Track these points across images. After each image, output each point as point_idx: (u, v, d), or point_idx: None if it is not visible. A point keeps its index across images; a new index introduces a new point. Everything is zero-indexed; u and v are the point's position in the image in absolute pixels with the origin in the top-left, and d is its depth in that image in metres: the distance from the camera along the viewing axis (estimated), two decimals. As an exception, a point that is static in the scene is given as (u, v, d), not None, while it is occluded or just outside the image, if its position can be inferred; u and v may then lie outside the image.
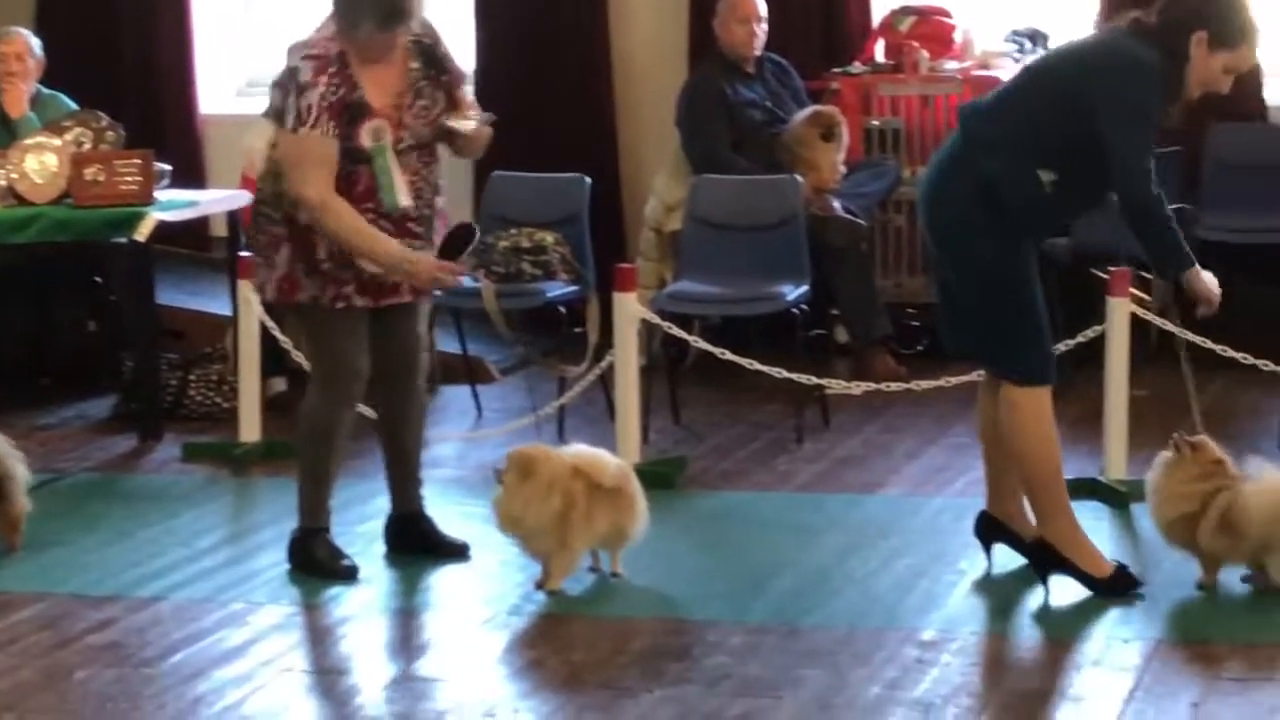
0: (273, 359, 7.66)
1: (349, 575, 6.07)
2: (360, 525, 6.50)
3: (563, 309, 8.02)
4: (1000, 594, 5.84)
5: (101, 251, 8.18)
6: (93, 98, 8.78)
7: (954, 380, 7.04)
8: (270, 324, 7.42)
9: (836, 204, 8.54)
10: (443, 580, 6.13)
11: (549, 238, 8.12)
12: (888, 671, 5.22)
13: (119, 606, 5.87)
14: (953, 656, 5.34)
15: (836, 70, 9.15)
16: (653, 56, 9.68)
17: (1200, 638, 5.47)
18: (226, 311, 8.22)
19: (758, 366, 7.21)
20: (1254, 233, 8.19)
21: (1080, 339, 6.92)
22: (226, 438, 7.72)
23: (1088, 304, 7.28)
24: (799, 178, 8.27)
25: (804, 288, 7.89)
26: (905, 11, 9.27)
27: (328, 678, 5.34)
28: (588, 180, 8.38)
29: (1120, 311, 6.73)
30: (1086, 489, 6.51)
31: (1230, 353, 6.85)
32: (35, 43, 8.69)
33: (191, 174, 9.46)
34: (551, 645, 5.47)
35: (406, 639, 5.70)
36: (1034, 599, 5.76)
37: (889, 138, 9.00)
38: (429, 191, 6.06)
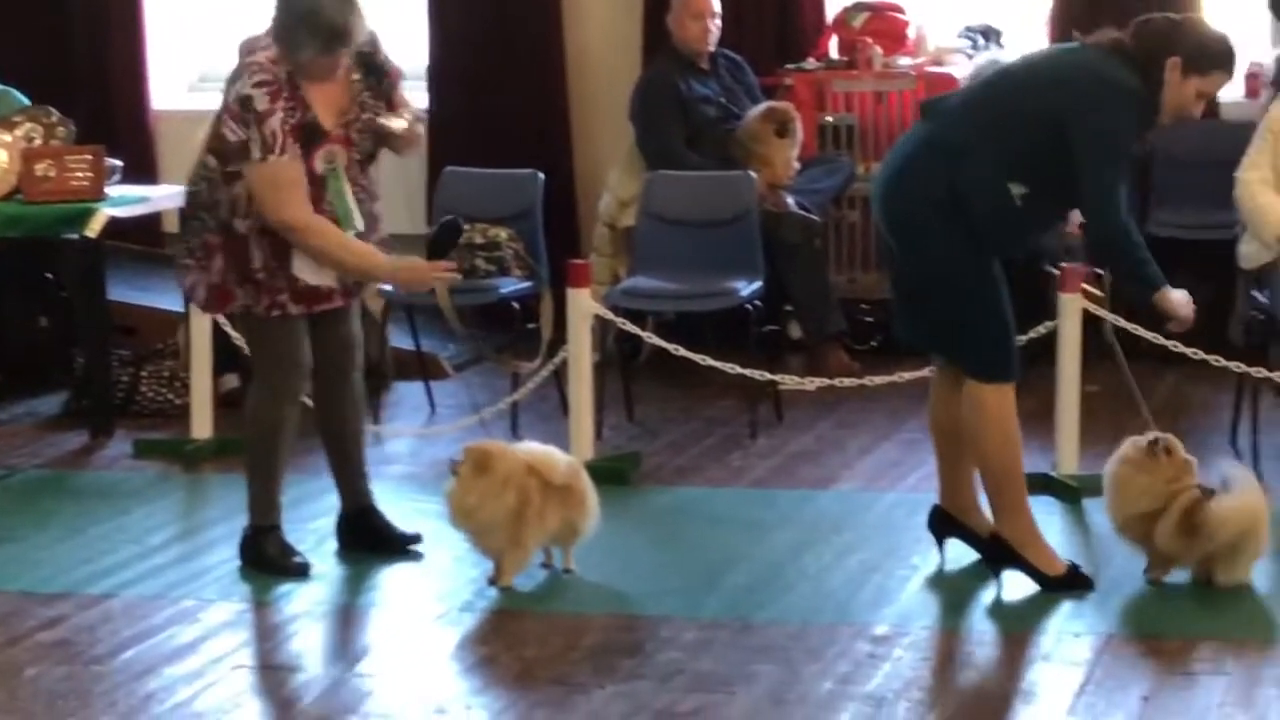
0: (225, 355, 7.63)
1: (300, 572, 6.06)
2: (311, 522, 6.48)
3: (516, 305, 8.01)
4: (953, 589, 5.85)
5: (52, 247, 8.14)
6: (44, 93, 8.73)
7: (907, 376, 7.05)
8: (222, 320, 7.39)
9: (790, 200, 8.55)
10: (394, 577, 6.12)
11: (502, 234, 8.11)
12: (840, 666, 5.23)
13: (69, 604, 5.84)
14: (905, 651, 5.35)
15: (790, 66, 9.15)
16: (607, 52, 9.67)
17: (1151, 632, 5.49)
18: (178, 308, 8.17)
19: (711, 362, 7.21)
20: (1204, 229, 8.21)
21: (1032, 335, 6.94)
22: (178, 434, 7.69)
23: (1038, 299, 7.30)
24: (753, 174, 8.28)
25: (757, 284, 7.90)
26: (859, 8, 9.28)
27: (279, 674, 5.32)
28: (541, 176, 8.38)
29: (1072, 308, 6.75)
30: (1039, 484, 6.50)
31: (1180, 348, 6.87)
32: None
33: (143, 170, 9.41)
34: (503, 642, 5.46)
35: (358, 636, 5.69)
36: (986, 594, 5.78)
37: (843, 134, 9.01)
38: (368, 200, 6.09)
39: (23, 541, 6.47)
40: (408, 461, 7.43)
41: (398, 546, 6.27)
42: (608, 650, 5.37)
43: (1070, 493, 6.64)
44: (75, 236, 7.88)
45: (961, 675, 5.21)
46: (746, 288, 7.84)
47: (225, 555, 6.21)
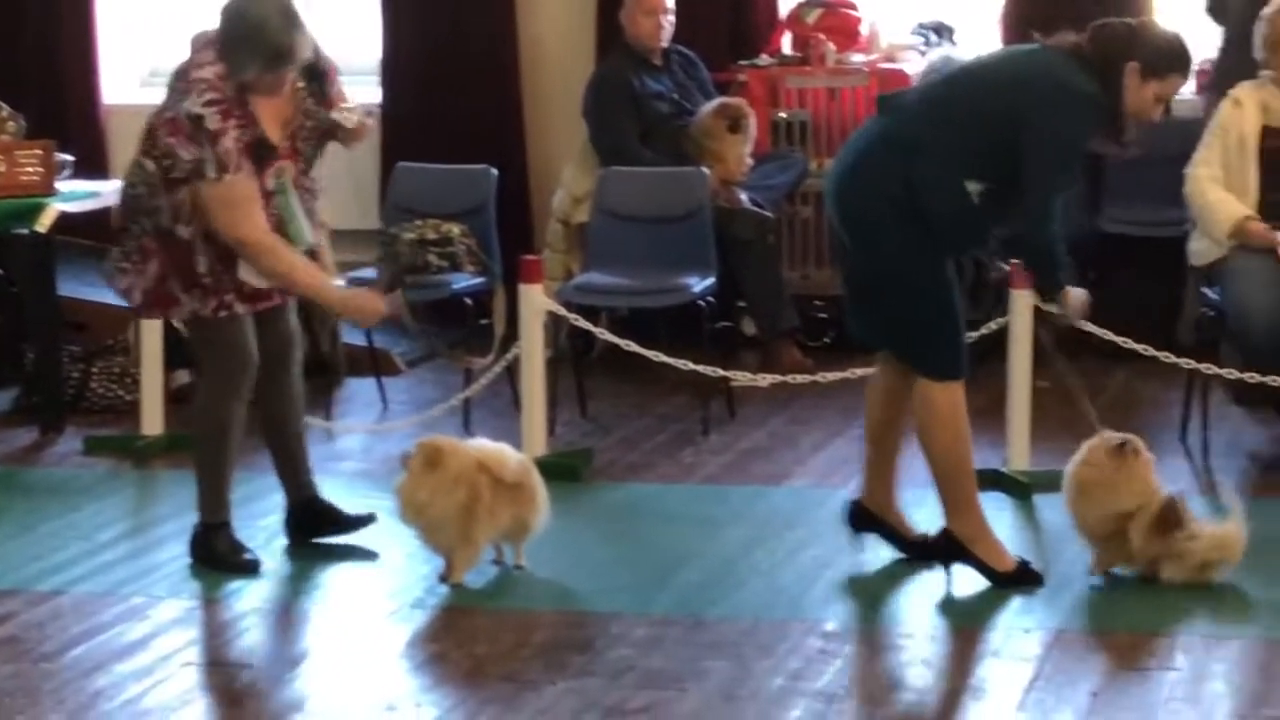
0: (176, 351, 7.60)
1: (250, 569, 6.05)
2: (261, 519, 6.46)
3: (469, 301, 8.00)
4: (904, 585, 5.85)
5: (2, 243, 8.09)
6: (-7, 87, 8.70)
7: (860, 372, 7.02)
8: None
9: (743, 196, 8.56)
10: (345, 574, 6.10)
11: (455, 229, 8.09)
12: (792, 663, 5.23)
13: (18, 600, 5.81)
14: (856, 647, 5.37)
15: (744, 62, 9.16)
16: (560, 48, 9.67)
17: (1101, 627, 5.52)
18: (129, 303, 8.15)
19: (664, 359, 7.21)
20: (1155, 225, 8.24)
21: (983, 331, 6.95)
22: (129, 430, 7.66)
23: (988, 296, 7.32)
24: (706, 170, 8.28)
25: (710, 280, 7.90)
26: (812, 4, 9.29)
27: (228, 671, 5.30)
28: (494, 172, 8.37)
29: (1022, 304, 6.76)
30: (989, 480, 6.52)
31: (1131, 345, 6.90)
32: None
33: (94, 165, 9.36)
34: (454, 638, 5.45)
35: (308, 633, 5.68)
36: (937, 590, 5.79)
37: (796, 130, 9.02)
38: (310, 200, 6.10)
39: (-28, 538, 6.45)
40: (360, 458, 7.42)
41: (351, 526, 6.28)
42: (558, 647, 5.37)
43: (1021, 489, 6.66)
44: (25, 232, 7.83)
45: (912, 671, 5.21)
46: (699, 284, 7.85)
47: (175, 552, 6.19)
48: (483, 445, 6.01)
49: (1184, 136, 7.48)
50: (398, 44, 9.73)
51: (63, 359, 8.10)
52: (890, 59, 9.06)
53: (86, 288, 8.80)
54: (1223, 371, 6.93)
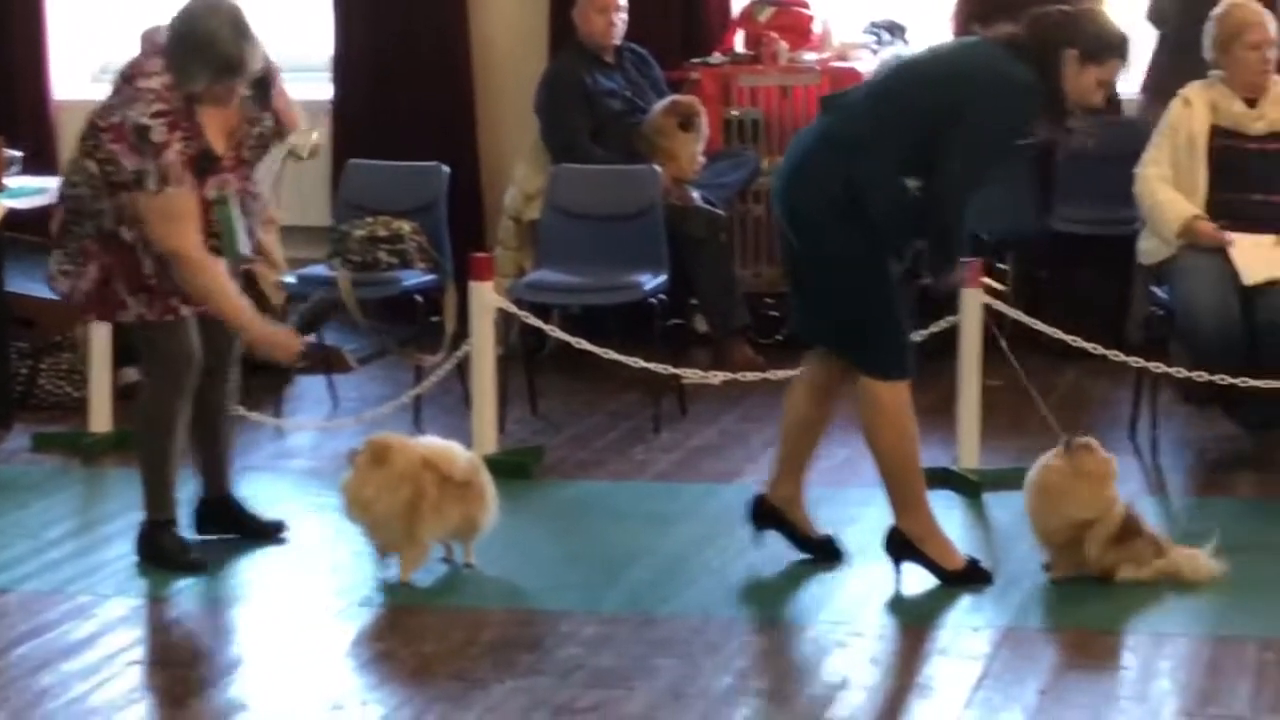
0: (124, 349, 7.55)
1: (197, 567, 6.02)
2: (211, 516, 6.44)
3: (420, 298, 7.97)
4: (853, 583, 5.85)
5: (-50, 239, 8.05)
6: (-58, 83, 8.65)
7: (810, 370, 7.05)
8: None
9: (695, 194, 8.55)
10: (292, 572, 6.08)
11: (406, 226, 8.07)
12: (740, 661, 5.23)
13: (-37, 599, 5.80)
14: (805, 645, 5.36)
15: (696, 60, 9.15)
16: (513, 44, 9.64)
17: (1050, 625, 5.53)
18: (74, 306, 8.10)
19: (615, 356, 7.21)
20: (1105, 224, 8.26)
21: (933, 329, 6.96)
22: (77, 428, 7.62)
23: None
24: (657, 168, 8.27)
25: (662, 277, 7.90)
26: (764, 3, 9.28)
27: (174, 670, 5.28)
28: (445, 169, 8.34)
29: (972, 302, 6.77)
30: (939, 478, 6.53)
31: (1080, 343, 6.91)
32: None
33: (43, 161, 9.29)
34: (401, 637, 5.44)
35: (255, 631, 5.65)
36: (886, 588, 5.79)
37: (748, 128, 9.01)
38: (252, 202, 6.10)
39: (-83, 536, 6.41)
40: (309, 456, 7.39)
41: (260, 533, 6.28)
42: (507, 645, 5.36)
43: (971, 487, 6.67)
44: (-28, 228, 7.79)
45: (860, 670, 5.20)
46: (650, 282, 7.84)
47: (122, 550, 6.16)
48: (431, 443, 5.99)
49: (1135, 136, 7.51)
50: (349, 40, 9.70)
51: (10, 356, 8.05)
52: (842, 57, 9.07)
53: (34, 284, 8.72)
54: (1171, 370, 6.95)
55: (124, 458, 7.14)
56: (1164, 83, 7.78)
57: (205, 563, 6.04)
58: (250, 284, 8.02)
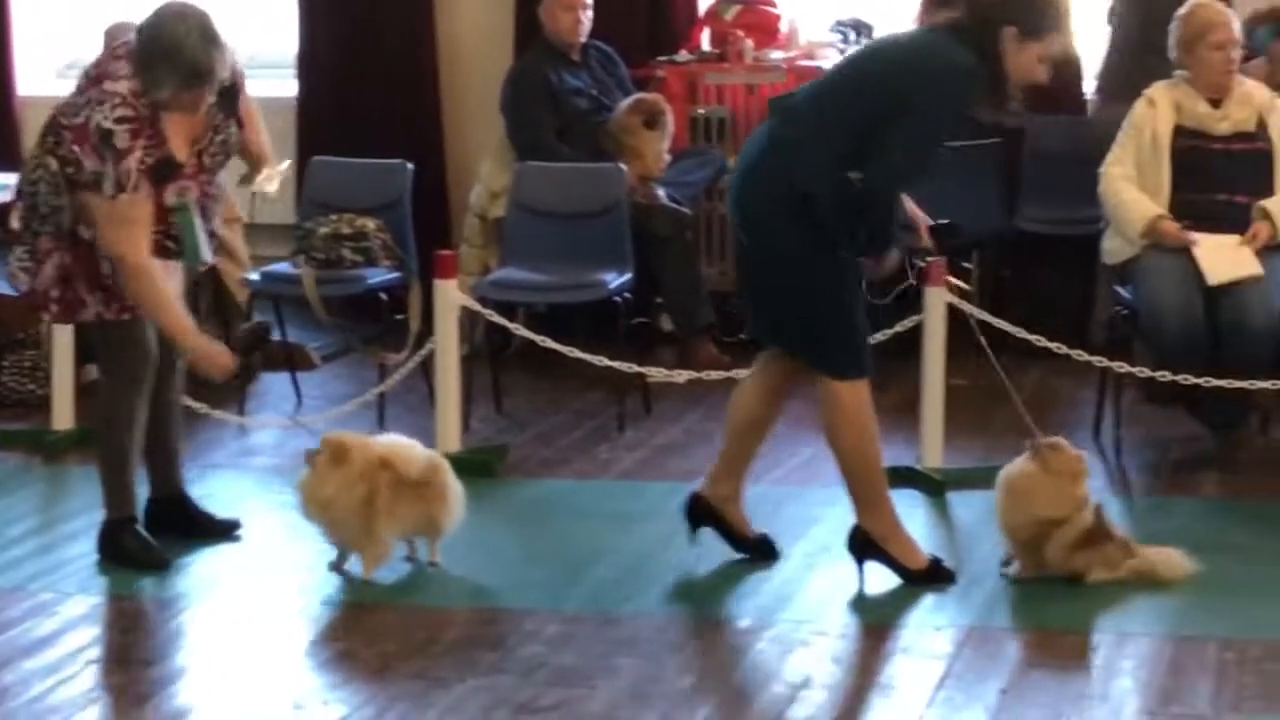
0: (87, 346, 7.52)
1: (159, 565, 6.00)
2: (173, 514, 6.42)
3: (384, 296, 7.95)
4: (816, 582, 5.86)
5: (-89, 235, 8.01)
6: (-96, 78, 8.60)
7: (774, 369, 7.04)
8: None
9: (661, 192, 8.54)
10: (254, 570, 6.06)
11: (370, 224, 8.04)
12: (702, 660, 5.23)
13: (-76, 596, 5.77)
14: (767, 645, 5.36)
15: (662, 59, 9.14)
16: (479, 42, 9.63)
17: (1012, 625, 5.54)
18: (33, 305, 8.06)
19: (580, 355, 7.20)
20: (1070, 224, 8.28)
21: (898, 328, 6.97)
22: (39, 425, 7.59)
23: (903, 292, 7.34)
24: (623, 166, 8.27)
25: (627, 276, 7.89)
26: (731, 1, 9.28)
27: (135, 668, 5.26)
28: (410, 166, 8.32)
29: (937, 301, 6.78)
30: (903, 477, 6.54)
31: (1045, 343, 6.92)
32: None
33: (7, 156, 9.27)
34: (363, 635, 5.42)
35: (216, 629, 5.62)
36: (849, 587, 5.79)
37: (715, 126, 9.01)
38: (212, 205, 6.07)
39: (-123, 534, 6.38)
40: (273, 453, 7.37)
41: (215, 532, 6.26)
42: (469, 644, 5.35)
43: (934, 486, 6.67)
44: (-65, 224, 7.75)
45: (822, 669, 5.20)
46: (616, 280, 7.83)
47: (84, 548, 6.13)
48: (391, 441, 5.98)
49: (1099, 136, 7.52)
50: (314, 37, 9.67)
51: (-27, 352, 8.03)
52: (809, 56, 9.07)
53: (-3, 281, 8.72)
54: (1135, 370, 6.96)
55: (86, 455, 7.09)
56: (1117, 84, 7.80)
57: (167, 561, 6.02)
58: (215, 281, 8.08)
